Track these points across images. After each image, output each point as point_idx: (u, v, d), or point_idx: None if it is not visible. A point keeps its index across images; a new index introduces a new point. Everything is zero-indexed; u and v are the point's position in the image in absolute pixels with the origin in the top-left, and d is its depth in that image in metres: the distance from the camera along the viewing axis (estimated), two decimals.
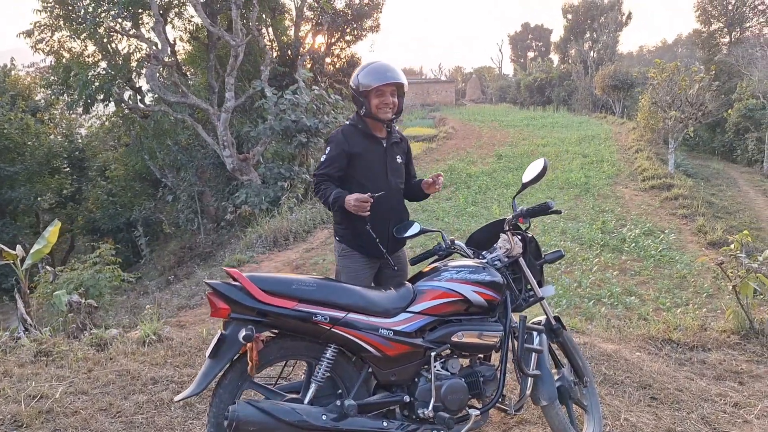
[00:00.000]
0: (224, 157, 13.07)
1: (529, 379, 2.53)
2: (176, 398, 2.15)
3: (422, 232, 2.79)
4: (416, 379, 2.41)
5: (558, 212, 2.54)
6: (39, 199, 19.74)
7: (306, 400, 2.24)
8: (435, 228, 2.91)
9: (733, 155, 20.47)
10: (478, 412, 2.40)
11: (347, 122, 2.91)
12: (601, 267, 7.71)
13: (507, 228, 2.65)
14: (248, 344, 2.11)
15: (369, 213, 2.60)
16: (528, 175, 2.62)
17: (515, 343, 2.58)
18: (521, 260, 2.65)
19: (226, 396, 2.18)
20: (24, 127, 18.34)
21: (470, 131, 22.55)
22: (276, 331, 2.27)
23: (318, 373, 2.26)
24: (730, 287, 4.15)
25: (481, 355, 2.60)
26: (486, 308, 2.50)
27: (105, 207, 19.83)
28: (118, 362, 3.29)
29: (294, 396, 2.30)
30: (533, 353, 2.57)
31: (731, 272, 4.17)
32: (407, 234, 2.80)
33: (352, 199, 2.58)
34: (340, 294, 2.30)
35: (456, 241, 2.74)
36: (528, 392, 2.51)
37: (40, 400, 2.82)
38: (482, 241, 2.86)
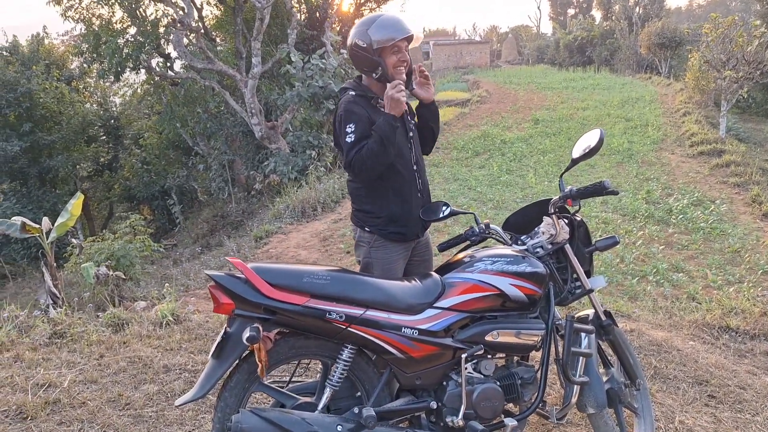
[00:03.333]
0: (252, 125, 12.86)
1: (575, 385, 2.23)
2: (177, 402, 1.94)
3: (453, 213, 2.45)
4: (445, 383, 2.14)
5: (615, 193, 2.17)
6: (77, 167, 20.15)
7: (321, 406, 2.00)
8: (467, 210, 2.58)
9: None
10: (515, 421, 2.11)
11: (351, 93, 2.40)
12: (645, 240, 7.23)
13: (552, 210, 2.29)
14: (254, 345, 1.87)
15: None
16: (579, 148, 2.25)
17: (559, 343, 2.28)
18: (567, 247, 2.31)
19: (232, 400, 1.96)
20: (59, 96, 18.56)
21: (505, 94, 21.68)
22: (285, 329, 2.02)
23: (333, 375, 2.02)
24: None
25: (517, 356, 2.31)
26: (526, 303, 2.19)
27: (140, 175, 20.09)
28: (131, 347, 3.14)
29: (308, 400, 2.07)
30: (581, 357, 2.25)
31: None
32: (437, 216, 2.48)
33: (387, 96, 2.25)
34: (358, 288, 2.03)
35: (491, 225, 2.41)
36: (573, 400, 2.22)
37: (48, 389, 2.68)
38: (521, 224, 2.53)
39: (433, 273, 2.26)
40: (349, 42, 2.40)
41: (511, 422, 2.10)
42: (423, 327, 2.04)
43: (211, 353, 1.93)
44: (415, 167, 2.50)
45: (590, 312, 2.46)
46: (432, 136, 2.67)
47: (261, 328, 1.88)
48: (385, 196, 2.45)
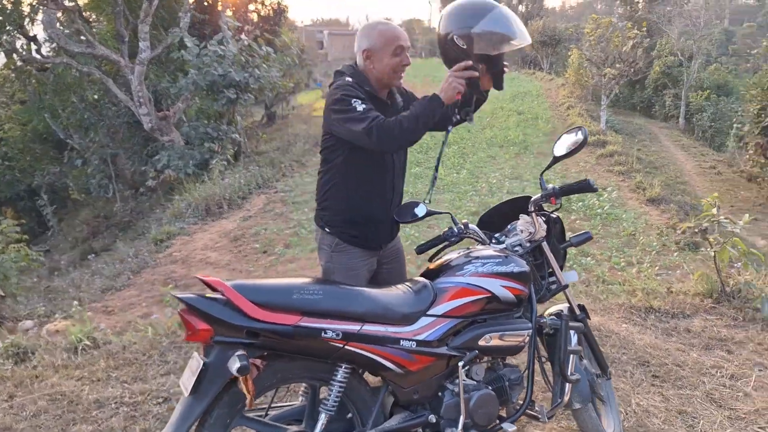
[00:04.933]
0: (140, 116, 11.78)
1: (567, 384, 2.22)
2: None
3: (429, 214, 2.34)
4: (440, 394, 2.02)
5: (596, 190, 2.18)
6: None
7: None
8: (444, 211, 2.48)
9: (651, 111, 21.43)
10: (513, 426, 2.05)
11: (348, 79, 2.17)
12: None
13: (533, 208, 2.26)
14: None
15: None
16: (562, 146, 2.22)
17: (541, 340, 2.27)
18: (545, 244, 2.30)
19: None
20: None
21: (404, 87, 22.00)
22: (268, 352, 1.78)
23: (328, 399, 1.82)
24: (712, 253, 4.07)
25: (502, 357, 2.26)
26: (514, 304, 2.14)
27: (0, 173, 17.64)
28: (47, 381, 2.65)
29: (299, 429, 1.84)
30: (571, 354, 2.25)
31: (712, 239, 4.09)
32: (412, 217, 2.34)
33: (452, 78, 2.00)
34: (352, 300, 1.84)
35: (470, 225, 2.33)
36: (566, 398, 2.20)
37: None
38: (494, 222, 2.49)
39: (422, 279, 2.13)
40: (441, 31, 2.09)
41: (510, 427, 2.04)
42: (420, 338, 1.91)
43: (187, 389, 1.64)
44: (392, 171, 2.33)
45: (563, 307, 2.47)
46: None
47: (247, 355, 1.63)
48: (353, 197, 2.29)
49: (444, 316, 1.98)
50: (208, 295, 1.69)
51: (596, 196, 9.10)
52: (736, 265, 4.49)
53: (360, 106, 2.02)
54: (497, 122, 14.78)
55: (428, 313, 1.96)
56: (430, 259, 2.39)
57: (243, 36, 11.63)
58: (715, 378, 3.17)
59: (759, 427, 2.73)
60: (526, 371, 2.21)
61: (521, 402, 2.16)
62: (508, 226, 2.42)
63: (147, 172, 12.39)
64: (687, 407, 2.87)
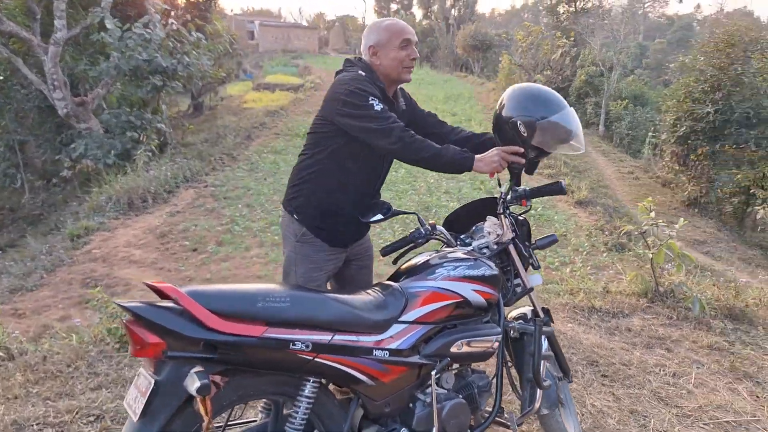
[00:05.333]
0: (54, 100, 10.82)
1: (538, 390, 2.16)
2: None
3: (394, 213, 2.21)
4: (411, 405, 1.90)
5: (564, 192, 2.15)
6: None
7: None
8: (409, 210, 2.36)
9: None
10: None
11: (362, 73, 2.11)
12: None
13: (501, 210, 2.20)
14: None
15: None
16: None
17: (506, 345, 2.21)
18: (511, 247, 2.24)
19: None
20: None
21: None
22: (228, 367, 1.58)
23: (295, 418, 1.64)
24: (650, 255, 4.23)
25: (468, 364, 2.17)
26: (485, 308, 2.07)
27: None
28: None
29: None
30: (542, 360, 2.19)
31: (650, 241, 4.25)
32: (376, 218, 2.21)
33: (498, 157, 2.04)
34: (322, 307, 1.68)
35: (437, 226, 2.24)
36: (537, 404, 2.15)
37: None
38: (459, 223, 2.41)
39: (391, 282, 2.00)
40: (505, 112, 2.08)
41: None
42: (393, 346, 1.78)
43: (134, 412, 1.42)
44: (378, 171, 2.26)
45: (526, 310, 2.43)
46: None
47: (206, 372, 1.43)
48: (332, 188, 2.18)
49: (416, 322, 1.87)
50: (159, 303, 1.47)
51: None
52: (666, 266, 4.71)
53: (378, 106, 2.00)
54: None
55: (400, 319, 1.84)
56: (395, 261, 2.29)
57: (171, 21, 10.95)
58: (660, 376, 3.27)
59: (704, 424, 2.83)
60: (494, 378, 2.15)
61: (489, 409, 2.09)
62: (473, 228, 2.36)
63: (61, 162, 11.40)
64: (637, 406, 2.93)
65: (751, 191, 10.13)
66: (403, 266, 2.11)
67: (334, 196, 2.19)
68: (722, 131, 10.06)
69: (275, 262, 6.56)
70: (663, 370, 3.34)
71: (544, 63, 13.49)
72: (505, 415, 2.13)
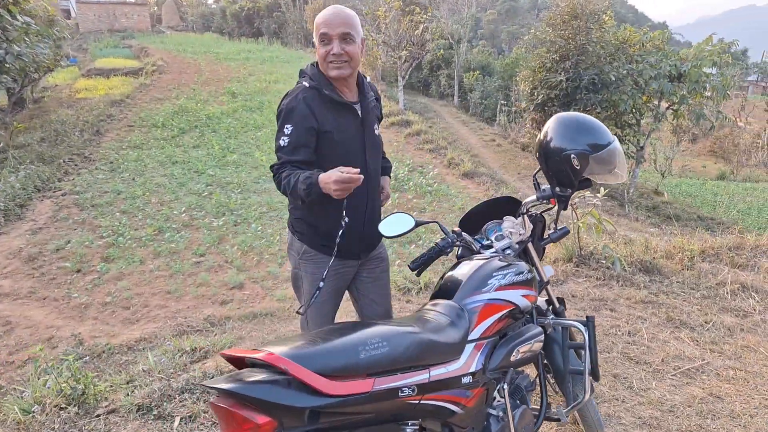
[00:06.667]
0: None
1: (588, 381, 2.21)
2: None
3: (418, 225, 2.11)
4: (486, 423, 1.87)
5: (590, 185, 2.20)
6: None
7: None
8: (430, 220, 2.26)
9: (428, 90, 23.46)
10: None
11: (305, 85, 2.05)
12: (394, 207, 7.84)
13: (525, 210, 2.23)
14: None
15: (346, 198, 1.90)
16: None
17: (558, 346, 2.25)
18: (530, 244, 2.28)
19: None
20: None
21: (185, 64, 20.03)
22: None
23: None
24: (579, 224, 4.56)
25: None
26: (529, 312, 2.08)
27: None
28: None
29: None
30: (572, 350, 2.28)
31: (579, 211, 4.59)
32: (401, 231, 2.08)
33: (331, 182, 1.78)
34: (413, 343, 1.56)
35: (462, 233, 2.18)
36: (588, 394, 2.20)
37: None
38: (471, 225, 2.39)
39: (447, 301, 1.90)
40: (557, 143, 2.05)
41: None
42: (473, 369, 1.74)
43: None
44: (367, 179, 2.09)
45: (540, 301, 2.48)
46: None
47: None
48: (321, 207, 2.07)
49: (481, 338, 1.82)
50: (261, 378, 1.27)
51: (422, 174, 9.61)
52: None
53: (283, 139, 1.97)
54: None
55: (469, 339, 1.77)
56: (419, 273, 2.19)
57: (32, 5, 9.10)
58: (620, 337, 3.58)
59: (672, 376, 3.16)
60: (537, 376, 2.20)
61: (536, 407, 2.13)
62: (484, 228, 2.36)
63: None
64: (616, 370, 3.17)
65: None
66: (445, 279, 2.02)
67: (321, 214, 2.09)
68: (574, 97, 11.20)
69: (181, 273, 5.94)
70: (619, 331, 3.66)
71: (406, 39, 13.75)
72: (554, 410, 2.18)
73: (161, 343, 4.18)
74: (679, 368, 3.23)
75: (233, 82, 16.83)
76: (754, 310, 4.07)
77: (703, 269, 4.79)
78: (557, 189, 2.16)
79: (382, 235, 2.14)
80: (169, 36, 29.62)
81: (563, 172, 2.07)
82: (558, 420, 2.18)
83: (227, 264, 6.23)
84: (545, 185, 2.24)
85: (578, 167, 2.03)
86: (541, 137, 2.17)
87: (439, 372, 1.58)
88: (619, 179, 2.17)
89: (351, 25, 2.00)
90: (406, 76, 14.73)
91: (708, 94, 10.82)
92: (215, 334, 4.26)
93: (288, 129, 1.97)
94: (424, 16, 13.49)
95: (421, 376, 1.52)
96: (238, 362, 1.41)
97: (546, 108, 11.73)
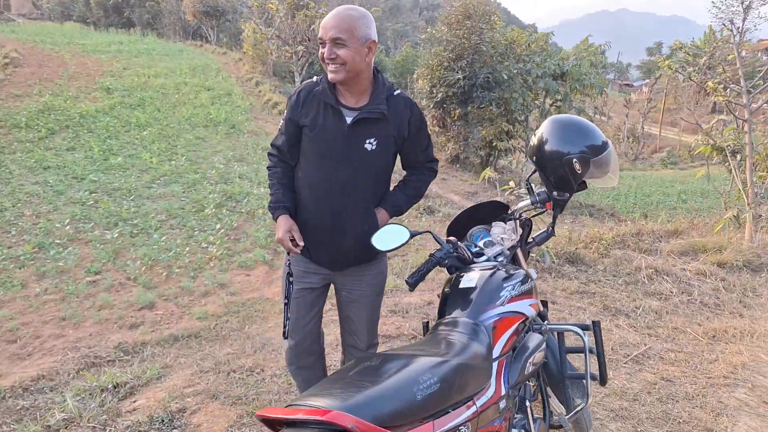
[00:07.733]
0: None
1: (589, 385, 2.18)
2: None
3: (413, 236, 1.99)
4: None
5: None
6: None
7: None
8: (422, 230, 2.12)
9: None
10: None
11: (313, 79, 2.11)
12: None
13: (517, 215, 2.21)
14: None
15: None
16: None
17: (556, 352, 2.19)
18: (519, 249, 2.24)
19: None
20: None
21: (46, 57, 17.72)
22: None
23: None
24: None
25: None
26: (534, 319, 2.03)
27: None
28: None
29: None
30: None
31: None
32: (396, 244, 1.95)
33: (280, 230, 2.00)
34: (453, 371, 1.41)
35: (457, 242, 2.08)
36: (591, 398, 2.16)
37: None
38: (458, 231, 2.32)
39: (458, 317, 1.77)
40: (557, 146, 2.00)
41: None
42: (503, 392, 1.66)
43: None
44: (338, 188, 2.02)
45: None
46: None
47: None
48: (299, 199, 2.12)
49: (501, 354, 1.73)
50: None
51: None
52: None
53: (281, 123, 2.11)
54: (187, 99, 13.51)
55: (494, 357, 1.68)
56: (412, 288, 2.05)
57: None
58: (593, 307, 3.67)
59: (624, 364, 3.29)
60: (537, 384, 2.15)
61: (543, 415, 2.08)
62: (468, 234, 2.29)
63: None
64: (575, 363, 3.22)
65: (494, 144, 12.04)
66: (452, 294, 1.90)
67: (299, 208, 2.11)
68: (470, 95, 11.58)
69: (75, 294, 5.17)
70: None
71: (302, 34, 13.36)
72: (555, 417, 2.14)
73: (66, 381, 3.58)
74: (629, 355, 3.37)
75: (106, 77, 15.24)
76: (671, 292, 4.41)
77: (617, 256, 5.11)
78: (555, 193, 2.09)
79: (377, 251, 1.96)
80: (22, 25, 26.08)
81: (563, 176, 2.01)
82: (560, 427, 2.13)
83: (130, 281, 5.55)
84: (539, 189, 2.17)
85: (579, 171, 1.98)
86: (536, 141, 2.09)
87: (483, 401, 1.48)
88: (612, 183, 2.15)
89: (344, 30, 1.86)
90: (303, 72, 14.31)
91: (587, 92, 11.77)
92: (133, 364, 3.73)
93: (285, 115, 2.10)
94: (319, 11, 13.19)
95: (470, 410, 1.40)
96: (272, 423, 1.16)
97: (445, 106, 12.01)
